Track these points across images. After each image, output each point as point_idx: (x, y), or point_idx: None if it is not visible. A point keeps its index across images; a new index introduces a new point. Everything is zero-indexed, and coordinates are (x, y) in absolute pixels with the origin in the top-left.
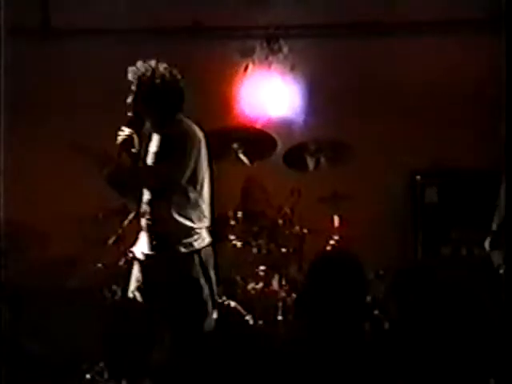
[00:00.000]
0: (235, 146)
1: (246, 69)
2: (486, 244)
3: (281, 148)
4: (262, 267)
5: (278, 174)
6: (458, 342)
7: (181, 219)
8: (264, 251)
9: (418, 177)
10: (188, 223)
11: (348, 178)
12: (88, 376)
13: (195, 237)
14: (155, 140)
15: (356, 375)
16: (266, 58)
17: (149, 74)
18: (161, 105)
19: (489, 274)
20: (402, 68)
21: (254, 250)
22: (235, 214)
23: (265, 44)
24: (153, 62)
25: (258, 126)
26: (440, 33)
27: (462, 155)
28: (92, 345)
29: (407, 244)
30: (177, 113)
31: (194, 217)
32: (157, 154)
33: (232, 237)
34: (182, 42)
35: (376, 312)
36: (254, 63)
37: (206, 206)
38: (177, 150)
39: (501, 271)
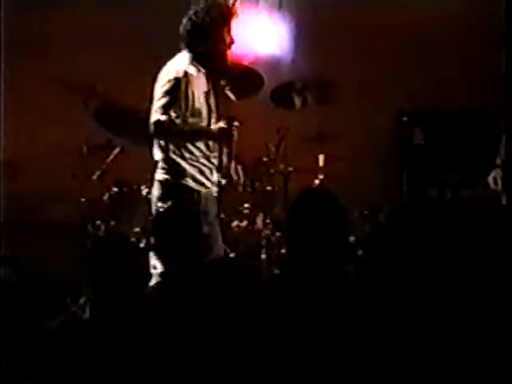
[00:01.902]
0: (222, 82)
1: (233, 5)
2: (490, 180)
3: (268, 86)
4: (246, 205)
5: (264, 111)
6: (450, 286)
7: None
8: (249, 189)
9: (405, 118)
10: None
11: (335, 117)
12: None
13: None
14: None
15: (337, 317)
16: None
17: None
18: None
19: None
20: (392, 5)
21: (239, 188)
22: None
23: None
24: None
25: (246, 63)
26: None
27: (450, 97)
28: (75, 279)
29: (393, 185)
30: None
31: None
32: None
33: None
34: None
35: (360, 253)
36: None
37: None
38: None
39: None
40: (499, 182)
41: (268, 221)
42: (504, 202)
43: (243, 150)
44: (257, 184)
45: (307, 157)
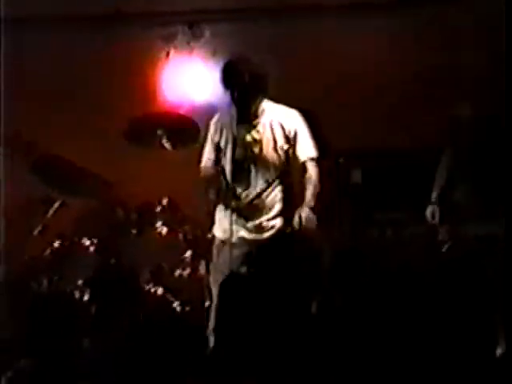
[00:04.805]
0: (159, 132)
1: (167, 55)
2: (428, 214)
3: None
4: (188, 253)
5: None
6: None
7: None
8: (190, 237)
9: (341, 159)
10: None
11: None
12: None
13: None
14: None
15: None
16: (188, 43)
17: None
18: None
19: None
20: (326, 49)
21: (180, 236)
22: (160, 200)
23: (186, 29)
24: None
25: (181, 111)
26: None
27: (385, 136)
28: (18, 336)
29: (333, 227)
30: None
31: None
32: None
33: (158, 223)
34: (105, 28)
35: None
36: (176, 49)
37: None
38: None
39: (444, 248)
40: (436, 217)
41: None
42: (441, 237)
43: (185, 199)
44: (198, 231)
45: None
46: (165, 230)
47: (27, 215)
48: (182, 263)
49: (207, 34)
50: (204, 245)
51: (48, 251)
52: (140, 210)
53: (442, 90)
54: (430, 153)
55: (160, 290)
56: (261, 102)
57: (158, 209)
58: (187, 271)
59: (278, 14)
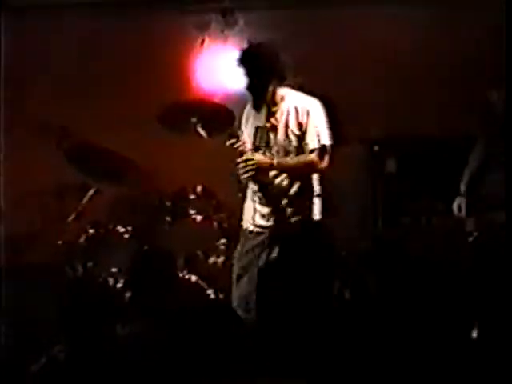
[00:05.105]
0: (193, 119)
1: (202, 43)
2: (455, 207)
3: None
4: (222, 241)
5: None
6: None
7: None
8: (225, 225)
9: (376, 147)
10: None
11: None
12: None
13: None
14: None
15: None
16: (222, 31)
17: None
18: None
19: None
20: (361, 37)
21: (215, 224)
22: (194, 188)
23: (220, 18)
24: None
25: (216, 99)
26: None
27: (420, 124)
28: (52, 322)
29: (367, 215)
30: None
31: None
32: None
33: (192, 211)
34: (139, 16)
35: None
36: (210, 37)
37: None
38: None
39: (470, 239)
40: (463, 209)
41: None
42: (468, 228)
43: (220, 187)
44: (232, 219)
45: None
46: (199, 217)
47: (62, 201)
48: (216, 251)
49: (241, 22)
50: (238, 233)
51: (83, 238)
52: (175, 197)
53: (478, 78)
54: (465, 141)
55: (194, 278)
56: (275, 88)
57: (193, 196)
58: (221, 259)
59: (312, 2)
